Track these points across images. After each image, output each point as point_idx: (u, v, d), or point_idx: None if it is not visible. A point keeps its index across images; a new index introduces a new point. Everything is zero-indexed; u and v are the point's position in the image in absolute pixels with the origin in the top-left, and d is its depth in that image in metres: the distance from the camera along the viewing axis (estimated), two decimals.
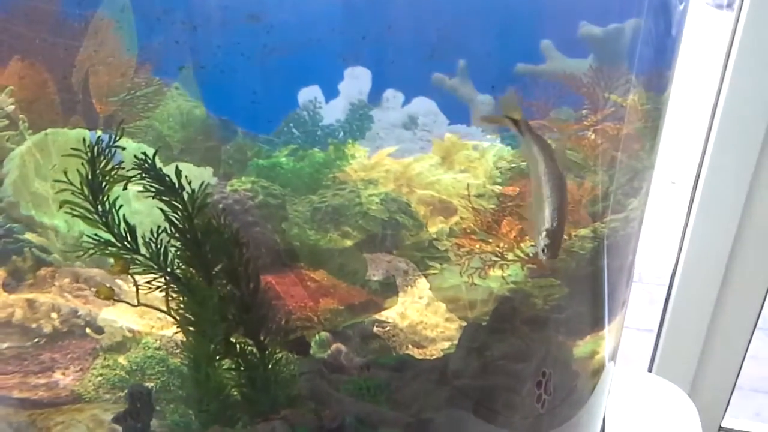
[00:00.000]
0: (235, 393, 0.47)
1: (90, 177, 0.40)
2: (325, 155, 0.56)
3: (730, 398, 1.27)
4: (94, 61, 0.52)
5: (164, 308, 0.44)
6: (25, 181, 0.59)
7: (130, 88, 0.53)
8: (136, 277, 0.62)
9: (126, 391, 0.56)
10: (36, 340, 0.70)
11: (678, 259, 1.13)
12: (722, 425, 1.32)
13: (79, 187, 0.40)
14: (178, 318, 0.43)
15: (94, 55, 0.51)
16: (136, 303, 0.42)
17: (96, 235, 0.41)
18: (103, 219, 0.40)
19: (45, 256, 0.67)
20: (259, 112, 0.53)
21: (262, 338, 0.47)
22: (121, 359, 0.66)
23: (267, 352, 0.47)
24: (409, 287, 0.65)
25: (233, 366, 0.46)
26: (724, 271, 1.06)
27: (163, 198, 0.41)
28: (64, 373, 0.70)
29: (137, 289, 0.42)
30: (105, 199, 0.41)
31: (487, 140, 0.55)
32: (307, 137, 0.55)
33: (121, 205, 0.41)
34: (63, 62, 0.53)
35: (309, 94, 0.53)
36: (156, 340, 0.64)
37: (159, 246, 0.41)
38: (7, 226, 0.66)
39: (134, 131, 0.54)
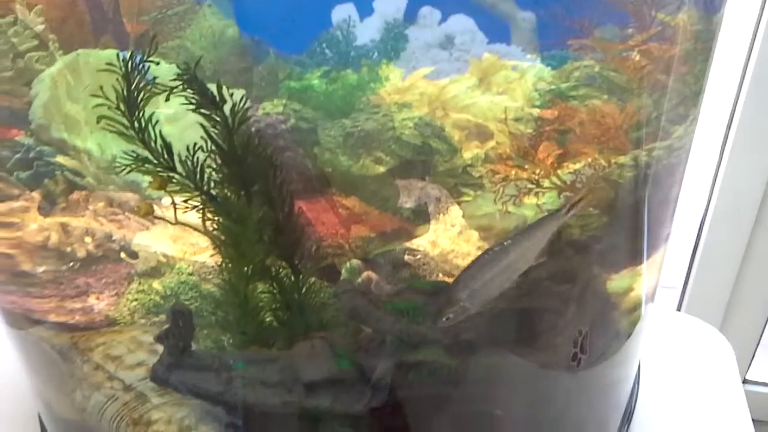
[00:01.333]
0: (270, 317, 0.49)
1: (126, 92, 0.41)
2: (359, 77, 0.57)
3: (755, 350, 1.29)
4: None
5: (202, 229, 0.46)
6: (56, 103, 0.61)
7: (162, 7, 0.54)
8: (169, 200, 0.65)
9: (167, 311, 0.59)
10: (71, 264, 0.73)
11: (707, 207, 1.12)
12: (747, 377, 1.34)
13: (116, 102, 0.41)
14: (215, 239, 0.45)
15: None
16: (174, 221, 0.44)
17: (133, 151, 0.43)
18: (140, 135, 0.41)
19: (78, 179, 0.69)
20: (292, 31, 0.53)
21: (296, 262, 0.49)
22: (156, 284, 0.69)
23: (301, 276, 0.49)
24: (442, 215, 0.66)
25: (268, 289, 0.48)
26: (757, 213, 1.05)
27: (203, 111, 0.42)
28: (98, 298, 0.73)
29: (175, 208, 0.44)
30: (141, 115, 0.42)
31: (527, 60, 0.55)
32: (340, 58, 0.55)
33: (157, 121, 0.42)
34: None
35: (343, 12, 0.52)
36: (189, 265, 0.67)
37: (195, 164, 0.43)
38: (38, 148, 0.68)
39: (165, 52, 0.55)
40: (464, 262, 0.70)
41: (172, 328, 0.47)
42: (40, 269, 0.70)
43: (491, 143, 0.59)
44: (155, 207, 0.47)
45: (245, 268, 0.45)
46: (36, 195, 0.71)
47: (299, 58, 0.57)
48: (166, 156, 0.43)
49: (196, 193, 0.44)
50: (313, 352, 0.48)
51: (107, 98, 0.42)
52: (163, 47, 0.56)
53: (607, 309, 0.51)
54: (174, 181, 0.44)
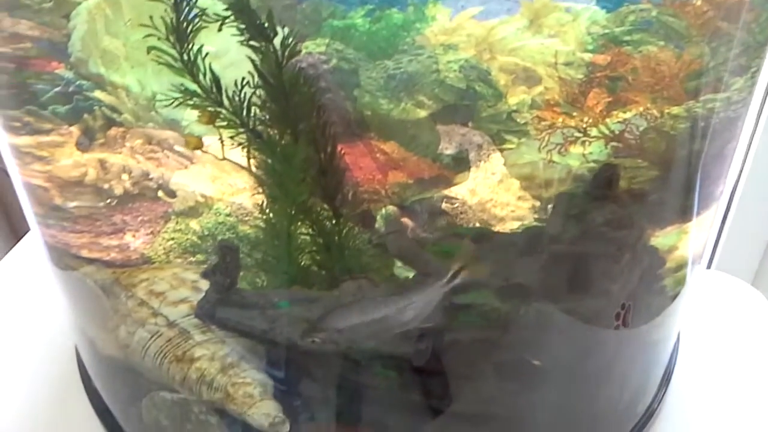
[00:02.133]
0: (309, 259, 0.50)
1: (175, 23, 0.41)
2: (404, 16, 0.56)
3: None
4: None
5: (246, 167, 0.46)
6: (94, 37, 0.61)
7: None
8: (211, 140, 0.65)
9: (214, 247, 0.60)
10: (108, 201, 0.75)
11: (744, 160, 1.08)
12: None
13: (165, 34, 0.42)
14: (258, 178, 0.45)
15: None
16: (221, 157, 0.45)
17: (181, 85, 0.43)
18: (189, 68, 0.42)
19: (115, 116, 0.70)
20: None
21: (336, 205, 0.50)
22: (193, 224, 0.70)
23: (341, 219, 0.50)
24: (482, 162, 0.66)
25: (309, 231, 0.48)
26: None
27: (252, 44, 0.42)
28: (134, 236, 0.75)
29: (222, 145, 0.44)
30: (190, 47, 0.42)
31: (581, 2, 0.53)
32: None
33: (207, 53, 0.42)
34: None
35: None
36: (227, 206, 0.68)
37: (243, 99, 0.43)
38: (78, 82, 0.68)
39: None
40: (503, 212, 0.69)
41: (219, 264, 0.48)
42: (74, 204, 0.72)
43: (539, 88, 0.58)
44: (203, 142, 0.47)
45: (288, 208, 0.46)
46: (74, 130, 0.71)
47: None
48: (215, 90, 0.43)
49: (242, 129, 0.44)
50: (361, 291, 0.49)
51: (156, 28, 0.42)
52: None
53: (655, 264, 0.51)
54: (221, 116, 0.44)
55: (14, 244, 1.17)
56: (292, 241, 0.47)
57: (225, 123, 0.44)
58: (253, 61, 0.43)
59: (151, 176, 0.74)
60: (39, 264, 0.88)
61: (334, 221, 0.51)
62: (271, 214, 0.48)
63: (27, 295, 0.84)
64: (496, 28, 0.57)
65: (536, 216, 0.68)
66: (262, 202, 0.50)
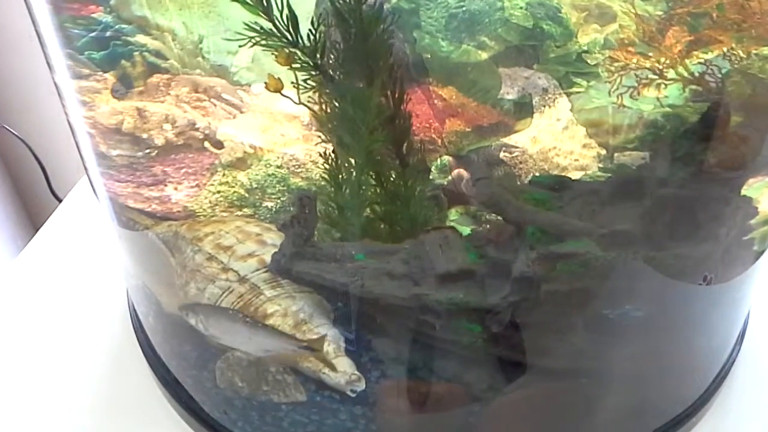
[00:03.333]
0: (378, 209, 0.50)
1: None
2: None
3: None
4: None
5: (318, 112, 0.45)
6: None
7: None
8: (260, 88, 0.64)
9: (292, 197, 0.59)
10: (147, 151, 0.74)
11: None
12: None
13: None
14: (328, 124, 0.44)
15: None
16: (297, 101, 0.43)
17: (255, 23, 0.42)
18: (263, 4, 0.40)
19: (159, 62, 0.68)
20: None
21: (404, 153, 0.48)
22: (242, 176, 0.69)
23: (407, 167, 0.49)
24: (547, 107, 0.64)
25: (377, 181, 0.47)
26: None
27: None
28: (176, 188, 0.74)
29: (298, 88, 0.43)
30: None
31: None
32: None
33: None
34: None
35: None
36: (278, 157, 0.67)
37: (318, 38, 0.41)
38: (117, 27, 0.67)
39: None
40: (565, 161, 0.68)
41: (298, 214, 0.48)
42: (115, 152, 0.71)
43: (613, 26, 0.56)
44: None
45: (359, 157, 0.45)
46: (110, 77, 0.70)
47: None
48: (291, 29, 0.41)
49: (316, 72, 0.43)
50: (447, 242, 0.48)
51: None
52: None
53: (749, 214, 0.49)
54: (296, 57, 0.43)
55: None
56: (362, 191, 0.46)
57: (298, 65, 0.43)
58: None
59: (197, 126, 0.73)
60: (88, 225, 0.89)
61: (401, 171, 0.50)
62: (339, 164, 0.47)
63: (71, 260, 0.84)
64: None
65: (600, 165, 0.66)
66: (326, 151, 0.49)
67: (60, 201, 1.21)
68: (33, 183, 1.32)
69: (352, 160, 0.46)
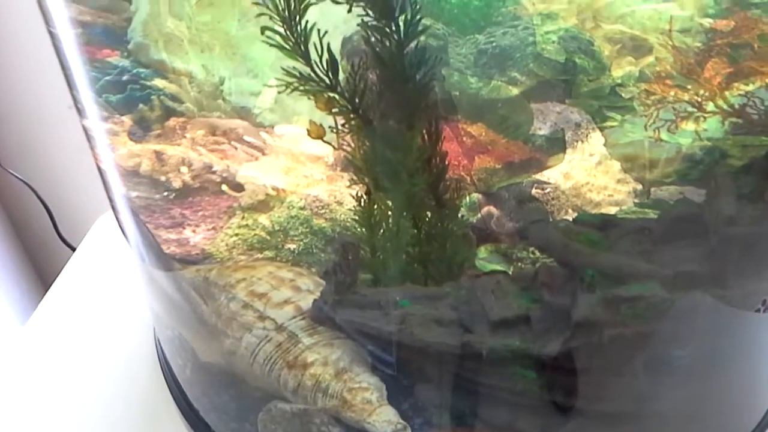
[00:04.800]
0: (416, 251, 0.49)
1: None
2: None
3: None
4: None
5: (357, 156, 0.45)
6: (157, 20, 0.60)
7: None
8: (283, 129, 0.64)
9: (335, 244, 0.59)
10: (165, 193, 0.74)
11: None
12: None
13: (275, 9, 0.40)
14: (365, 168, 0.44)
15: None
16: (336, 146, 0.43)
17: (294, 68, 0.42)
18: (301, 49, 0.40)
19: (176, 105, 0.68)
20: None
21: (440, 194, 0.48)
22: (263, 218, 0.68)
23: (444, 208, 0.48)
24: (580, 142, 0.63)
25: (412, 223, 0.47)
26: None
27: (375, 23, 0.40)
28: (194, 231, 0.74)
29: (338, 132, 0.42)
30: (302, 25, 0.40)
31: None
32: None
33: (326, 32, 0.40)
34: None
35: None
36: (301, 198, 0.66)
37: (359, 82, 0.41)
38: (135, 70, 0.67)
39: None
40: (599, 197, 0.67)
41: (341, 261, 0.47)
42: (133, 194, 0.71)
43: (649, 59, 0.56)
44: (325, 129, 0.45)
45: (398, 200, 0.44)
46: (127, 120, 0.70)
47: None
48: (330, 74, 0.41)
49: (354, 116, 0.43)
50: (499, 287, 0.47)
51: (267, 6, 0.40)
52: None
53: None
54: (336, 101, 0.42)
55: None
56: (401, 234, 0.46)
57: (338, 109, 0.42)
58: (369, 41, 0.41)
59: (213, 169, 0.72)
60: (107, 274, 0.87)
61: (437, 211, 0.49)
62: (376, 208, 0.46)
63: (92, 313, 0.82)
64: None
65: (636, 200, 0.65)
66: (359, 193, 0.49)
67: (69, 246, 1.20)
68: (38, 227, 1.31)
69: (390, 203, 0.45)
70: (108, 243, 0.94)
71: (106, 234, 0.96)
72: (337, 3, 0.39)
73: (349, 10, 0.39)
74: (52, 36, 0.53)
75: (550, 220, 0.57)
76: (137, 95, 0.68)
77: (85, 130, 0.59)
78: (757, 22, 0.52)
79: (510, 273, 0.54)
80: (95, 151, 0.60)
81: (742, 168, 0.52)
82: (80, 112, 0.58)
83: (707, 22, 0.53)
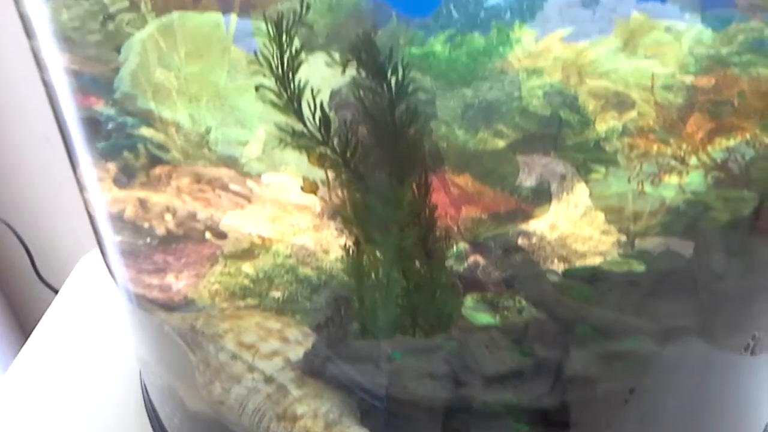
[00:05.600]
0: (404, 303, 0.49)
1: (278, 58, 0.40)
2: (486, 41, 0.55)
3: None
4: None
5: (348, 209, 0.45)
6: (146, 70, 0.60)
7: None
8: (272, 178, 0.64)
9: (327, 297, 0.59)
10: (148, 240, 0.74)
11: None
12: None
13: (266, 67, 0.40)
14: (355, 220, 0.44)
15: None
16: (328, 199, 0.43)
17: (287, 124, 0.42)
18: (294, 106, 0.41)
19: (162, 153, 0.68)
20: None
21: (429, 245, 0.48)
22: (246, 267, 0.68)
23: (432, 258, 0.49)
24: (565, 194, 0.64)
25: (401, 274, 0.47)
26: None
27: (367, 84, 0.41)
28: (177, 277, 0.73)
29: (329, 186, 0.43)
30: (295, 84, 0.41)
31: (684, 21, 0.52)
32: (468, 20, 0.54)
33: (319, 90, 0.41)
34: None
35: None
36: (287, 247, 0.67)
37: (350, 138, 0.42)
38: (120, 119, 0.67)
39: (274, 15, 0.54)
40: (584, 247, 0.68)
41: (334, 315, 0.47)
42: (117, 238, 0.70)
43: (632, 114, 0.57)
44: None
45: (388, 252, 0.44)
46: (112, 167, 0.71)
47: (423, 22, 0.55)
48: (323, 130, 0.42)
49: (344, 170, 0.43)
50: (493, 342, 0.48)
51: (261, 64, 0.41)
52: (272, 10, 0.54)
53: None
54: (329, 157, 0.43)
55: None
56: (391, 285, 0.46)
57: (328, 164, 0.43)
58: (361, 100, 0.42)
59: (198, 217, 0.73)
60: (92, 318, 0.85)
61: (426, 263, 0.50)
62: (365, 259, 0.46)
63: (77, 358, 0.81)
64: (586, 50, 0.56)
65: (620, 251, 0.66)
66: (347, 244, 0.49)
67: (49, 286, 1.18)
68: (16, 267, 1.29)
69: (379, 255, 0.45)
70: (91, 285, 0.93)
71: (89, 275, 0.95)
72: (330, 66, 0.40)
73: (343, 72, 0.40)
74: (46, 84, 0.53)
75: (542, 274, 0.58)
76: (122, 143, 0.68)
77: (74, 171, 0.59)
78: (736, 80, 0.53)
79: (500, 325, 0.54)
80: (84, 194, 0.60)
81: (729, 224, 0.53)
82: (70, 155, 0.59)
83: (688, 79, 0.55)
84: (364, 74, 0.42)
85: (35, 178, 1.27)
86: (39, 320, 0.87)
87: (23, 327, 1.28)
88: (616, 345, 0.45)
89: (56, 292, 0.93)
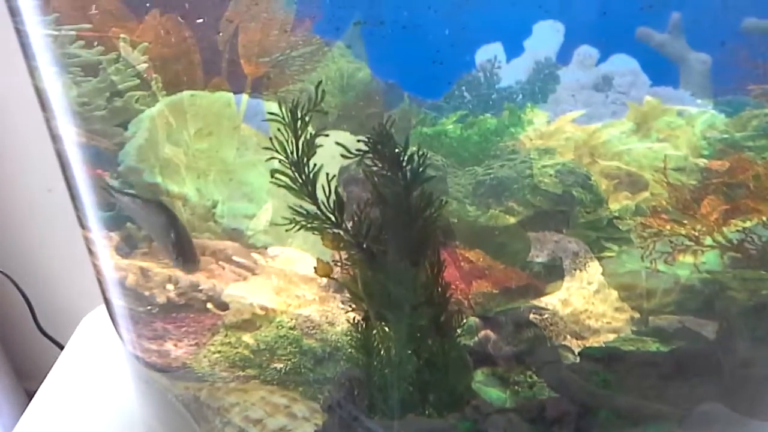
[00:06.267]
0: (416, 381, 0.48)
1: (294, 143, 0.40)
2: (498, 121, 0.55)
3: None
4: (246, 17, 0.51)
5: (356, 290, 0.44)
6: (154, 145, 0.60)
7: (285, 48, 0.52)
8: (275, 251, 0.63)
9: (340, 376, 0.57)
10: (149, 307, 0.73)
11: None
12: None
13: (284, 153, 0.40)
14: (367, 299, 0.43)
15: (247, 10, 0.50)
16: (338, 279, 0.43)
17: (301, 207, 0.42)
18: (308, 189, 0.40)
19: None
20: (430, 74, 0.51)
21: (441, 323, 0.47)
22: (247, 337, 0.67)
23: (444, 335, 0.48)
24: (578, 271, 0.64)
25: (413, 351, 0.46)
26: None
27: (383, 172, 0.41)
28: (176, 345, 0.72)
29: (341, 266, 0.42)
30: (310, 168, 0.41)
31: (696, 105, 0.52)
32: (480, 102, 0.54)
33: (333, 176, 0.41)
34: (208, 17, 0.52)
35: (488, 52, 0.51)
36: (291, 319, 0.66)
37: (364, 219, 0.41)
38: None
39: (285, 95, 0.54)
40: (597, 324, 0.67)
41: (347, 396, 0.45)
42: (120, 303, 0.70)
43: (644, 194, 0.57)
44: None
45: (400, 331, 0.43)
46: (114, 236, 0.70)
47: (435, 103, 0.55)
48: (336, 213, 0.41)
49: (358, 251, 0.43)
50: (511, 426, 0.46)
51: (277, 150, 0.40)
52: (283, 91, 0.54)
53: None
54: (342, 238, 0.42)
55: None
56: (403, 363, 0.45)
57: (341, 244, 0.43)
58: (375, 185, 0.42)
59: (200, 288, 0.72)
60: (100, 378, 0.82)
61: (439, 341, 0.49)
62: (377, 337, 0.45)
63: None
64: (598, 132, 0.56)
65: (634, 328, 0.65)
66: (356, 320, 0.48)
67: (51, 339, 1.15)
68: (17, 321, 1.26)
69: (391, 332, 0.44)
70: (97, 342, 0.91)
71: (94, 332, 0.93)
72: (347, 158, 0.40)
73: (359, 164, 0.40)
74: (60, 155, 0.53)
75: (557, 356, 0.57)
76: (124, 215, 0.68)
77: (84, 235, 0.59)
78: (751, 164, 0.53)
79: (515, 405, 0.53)
80: (92, 256, 0.59)
81: (753, 308, 0.52)
82: (80, 218, 0.58)
83: (702, 161, 0.54)
84: (380, 165, 0.42)
85: (37, 230, 1.26)
86: (40, 374, 0.85)
87: (21, 377, 1.26)
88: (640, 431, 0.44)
89: (56, 344, 0.91)
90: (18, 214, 1.25)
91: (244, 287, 0.68)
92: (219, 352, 0.70)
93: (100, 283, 0.64)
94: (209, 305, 0.72)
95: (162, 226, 0.51)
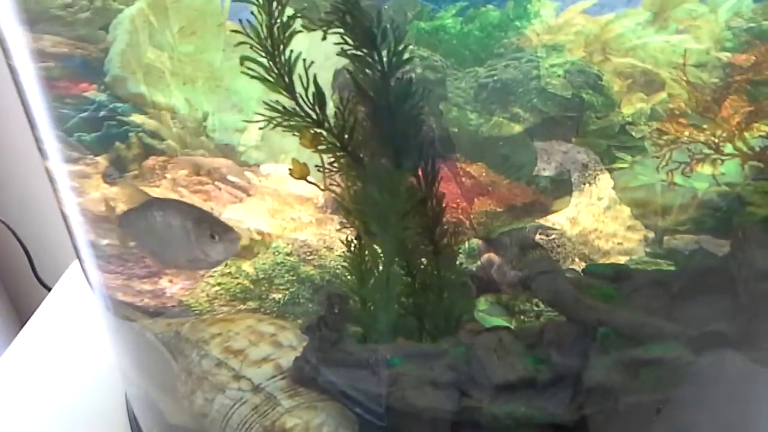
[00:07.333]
0: (409, 303, 0.45)
1: (266, 28, 0.36)
2: (501, 14, 0.50)
3: None
4: None
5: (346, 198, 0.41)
6: (136, 50, 0.57)
7: None
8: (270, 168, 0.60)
9: (323, 295, 0.55)
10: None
11: None
12: None
13: (256, 40, 0.36)
14: (354, 211, 0.40)
15: None
16: (322, 188, 0.39)
17: (276, 102, 0.38)
18: (285, 81, 0.36)
19: (156, 143, 0.65)
20: None
21: (436, 239, 0.44)
22: (246, 266, 0.64)
23: (440, 255, 0.44)
24: (587, 185, 0.60)
25: (406, 271, 0.43)
26: None
27: (358, 53, 0.37)
28: (171, 281, 0.69)
29: (324, 172, 0.39)
30: (286, 56, 0.37)
31: None
32: None
33: (312, 62, 0.37)
34: None
35: None
36: (288, 243, 0.62)
37: (347, 116, 0.37)
38: (111, 105, 0.64)
39: None
40: (607, 245, 0.63)
41: (327, 315, 0.42)
42: (104, 242, 0.67)
43: (661, 95, 0.52)
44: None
45: (388, 245, 0.40)
46: (101, 160, 0.67)
47: None
48: (317, 108, 0.37)
49: (342, 153, 0.39)
50: (502, 346, 0.43)
51: (249, 35, 0.37)
52: None
53: None
54: (322, 138, 0.38)
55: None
56: (392, 282, 0.41)
57: (324, 147, 0.39)
58: (351, 72, 0.38)
59: None
60: (80, 319, 0.84)
61: (432, 258, 0.45)
62: (365, 253, 0.42)
63: (62, 359, 0.78)
64: (611, 24, 0.51)
65: (648, 250, 0.62)
66: (349, 238, 0.45)
67: (46, 288, 1.16)
68: (16, 268, 1.27)
69: (380, 249, 0.41)
70: (84, 285, 0.91)
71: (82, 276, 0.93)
72: (310, 30, 0.36)
73: (324, 38, 0.36)
74: (12, 69, 0.50)
75: (559, 269, 0.53)
76: (114, 132, 0.65)
77: (49, 173, 0.55)
78: None
79: (513, 328, 0.49)
80: (59, 195, 0.56)
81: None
82: (42, 153, 0.55)
83: (725, 56, 0.50)
84: (352, 43, 0.38)
85: (35, 180, 1.26)
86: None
87: (22, 323, 1.28)
88: (643, 352, 0.40)
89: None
90: (16, 163, 1.25)
91: (241, 210, 0.65)
92: (219, 284, 0.67)
93: (71, 229, 0.61)
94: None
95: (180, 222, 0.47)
